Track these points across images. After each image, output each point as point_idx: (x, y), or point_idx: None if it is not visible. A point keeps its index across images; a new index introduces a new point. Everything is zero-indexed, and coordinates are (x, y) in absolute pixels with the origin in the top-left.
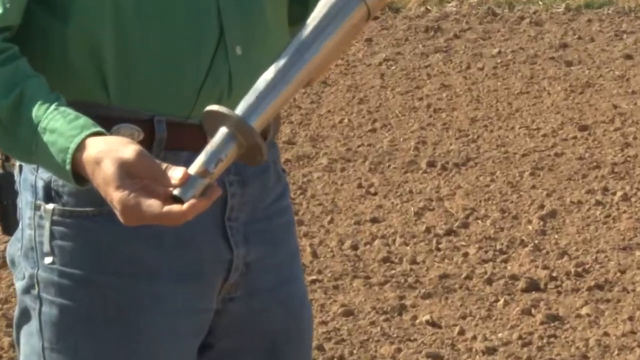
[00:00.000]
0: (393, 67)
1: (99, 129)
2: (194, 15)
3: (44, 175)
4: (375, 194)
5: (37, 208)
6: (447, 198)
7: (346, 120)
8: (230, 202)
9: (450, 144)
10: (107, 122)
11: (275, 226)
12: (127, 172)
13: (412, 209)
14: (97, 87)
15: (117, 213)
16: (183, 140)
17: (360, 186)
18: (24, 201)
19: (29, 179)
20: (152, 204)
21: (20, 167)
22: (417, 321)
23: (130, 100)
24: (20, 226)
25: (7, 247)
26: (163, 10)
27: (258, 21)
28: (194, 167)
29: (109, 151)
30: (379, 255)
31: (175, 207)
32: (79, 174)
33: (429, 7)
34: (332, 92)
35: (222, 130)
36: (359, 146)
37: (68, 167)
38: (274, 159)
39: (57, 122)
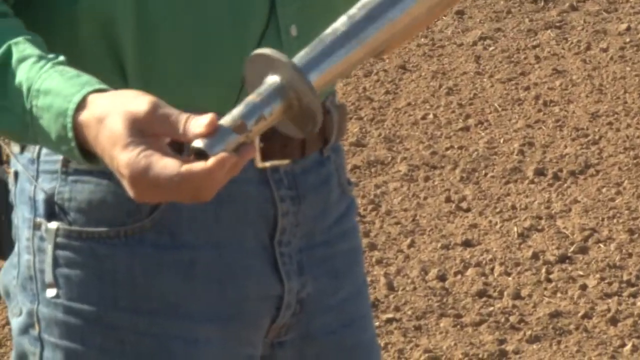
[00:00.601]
0: (491, 48)
1: (105, 86)
2: None
3: (45, 185)
4: (468, 209)
5: (36, 227)
6: (560, 215)
7: (431, 116)
8: (281, 223)
9: (565, 147)
10: None
11: (338, 253)
12: (138, 129)
13: (515, 229)
14: (112, 73)
15: (125, 183)
16: None
17: (448, 200)
18: (21, 218)
19: (27, 189)
20: (167, 164)
21: (16, 174)
22: None
23: (154, 91)
24: (16, 249)
25: (1, 274)
26: None
27: None
28: (228, 118)
29: (116, 105)
30: (473, 288)
31: (198, 164)
32: (87, 148)
33: None
34: (413, 79)
35: (271, 80)
36: (447, 149)
37: (70, 133)
38: (337, 167)
39: (53, 81)
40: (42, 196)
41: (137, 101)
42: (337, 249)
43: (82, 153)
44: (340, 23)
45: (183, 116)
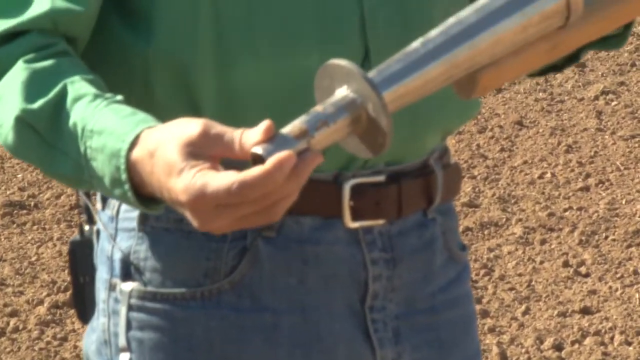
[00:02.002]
0: (614, 103)
1: (160, 123)
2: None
3: (123, 243)
4: (587, 275)
5: (112, 288)
6: None
7: (548, 175)
8: (372, 287)
9: None
10: None
11: (445, 322)
12: (192, 153)
13: (637, 295)
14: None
15: (187, 213)
16: (306, 201)
17: (566, 264)
18: (100, 279)
19: (106, 249)
20: (224, 176)
21: (98, 233)
22: None
23: None
24: (95, 312)
25: (83, 338)
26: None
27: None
28: (289, 127)
29: (167, 135)
30: (591, 358)
31: (254, 168)
32: (144, 192)
33: None
34: (530, 136)
35: (340, 92)
36: (565, 210)
37: (124, 175)
38: (445, 230)
39: (107, 120)
40: (118, 255)
41: (188, 126)
42: (443, 318)
43: (139, 198)
44: (420, 43)
45: (237, 132)
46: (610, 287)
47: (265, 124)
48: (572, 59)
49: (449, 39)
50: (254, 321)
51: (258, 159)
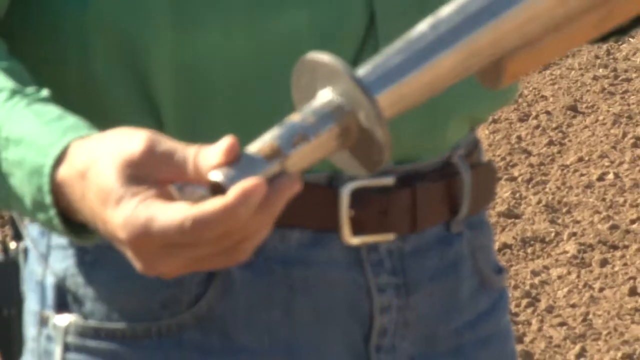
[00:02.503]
0: None
1: (94, 132)
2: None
3: (57, 265)
4: None
5: (44, 322)
6: None
7: (611, 176)
8: (379, 321)
9: None
10: None
11: None
12: (134, 177)
13: None
14: (139, 113)
15: (127, 253)
16: (293, 209)
17: (634, 292)
18: (28, 310)
19: (36, 272)
20: (175, 209)
21: (25, 252)
22: None
23: (201, 134)
24: (24, 353)
25: None
26: None
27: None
28: (257, 144)
29: (103, 151)
30: None
31: (212, 200)
32: (73, 217)
33: None
34: (587, 125)
35: (324, 95)
36: (632, 222)
37: (48, 198)
38: (475, 249)
39: (26, 126)
40: (52, 280)
41: (129, 141)
42: (475, 358)
43: (67, 225)
44: (428, 25)
45: (191, 150)
46: None
47: (227, 141)
48: None
49: (466, 19)
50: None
51: (217, 188)
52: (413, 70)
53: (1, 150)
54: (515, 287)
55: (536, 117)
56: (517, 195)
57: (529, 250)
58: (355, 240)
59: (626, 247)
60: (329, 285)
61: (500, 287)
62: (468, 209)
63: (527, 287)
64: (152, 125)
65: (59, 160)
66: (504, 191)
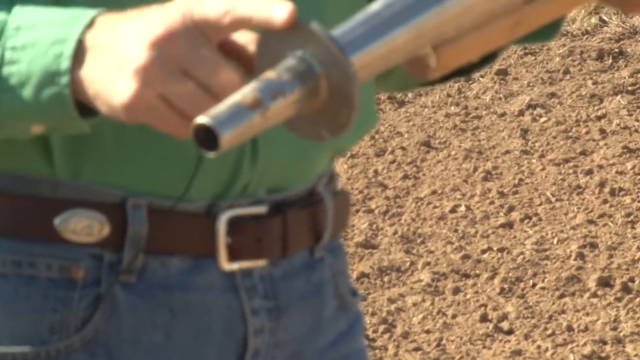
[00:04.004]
0: (543, 119)
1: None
2: None
3: None
4: (511, 331)
5: None
6: (630, 339)
7: (462, 208)
8: (252, 343)
9: (638, 249)
10: (50, 208)
11: None
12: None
13: (571, 357)
14: (30, 151)
15: (139, 57)
16: (172, 238)
17: (485, 319)
18: None
19: None
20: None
21: None
22: None
23: (87, 172)
24: None
25: None
26: None
27: None
28: (239, 93)
29: (132, 24)
30: None
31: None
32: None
33: (604, 19)
34: (440, 160)
35: (295, 56)
36: (483, 252)
37: (66, 63)
38: (335, 273)
39: (39, 13)
40: None
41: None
42: None
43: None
44: (382, 4)
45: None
46: (539, 347)
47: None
48: (487, 58)
49: (416, 1)
50: None
51: (204, 131)
52: (374, 42)
53: (7, 40)
54: (373, 313)
55: (392, 152)
56: (374, 226)
57: (386, 279)
58: (231, 266)
59: (477, 275)
60: (208, 309)
61: (356, 309)
62: (330, 234)
63: (384, 314)
64: (40, 156)
65: (87, 27)
66: (361, 223)
